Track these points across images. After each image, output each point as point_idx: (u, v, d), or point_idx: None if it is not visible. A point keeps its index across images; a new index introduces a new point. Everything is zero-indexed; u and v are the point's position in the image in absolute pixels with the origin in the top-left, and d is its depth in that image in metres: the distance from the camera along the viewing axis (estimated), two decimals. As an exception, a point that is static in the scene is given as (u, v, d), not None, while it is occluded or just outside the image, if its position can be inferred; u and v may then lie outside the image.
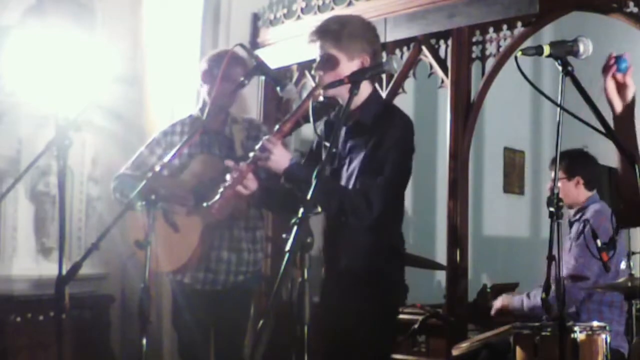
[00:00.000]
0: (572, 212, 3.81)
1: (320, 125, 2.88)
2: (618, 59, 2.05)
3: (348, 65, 2.67)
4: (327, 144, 2.77)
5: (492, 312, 3.88)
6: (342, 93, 2.65)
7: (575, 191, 3.76)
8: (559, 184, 3.67)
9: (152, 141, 3.51)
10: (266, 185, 2.91)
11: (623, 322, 3.61)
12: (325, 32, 2.70)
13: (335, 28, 2.69)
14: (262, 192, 2.86)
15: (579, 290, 3.54)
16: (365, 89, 2.69)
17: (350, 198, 2.60)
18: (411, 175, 2.78)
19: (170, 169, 3.33)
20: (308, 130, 2.86)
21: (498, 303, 3.85)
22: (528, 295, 3.70)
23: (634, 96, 2.08)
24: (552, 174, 3.62)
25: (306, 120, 2.86)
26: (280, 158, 2.62)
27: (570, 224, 3.81)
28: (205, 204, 2.67)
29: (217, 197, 2.68)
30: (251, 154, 2.69)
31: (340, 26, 2.69)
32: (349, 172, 2.68)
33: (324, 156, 2.76)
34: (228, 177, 2.70)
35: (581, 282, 3.53)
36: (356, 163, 2.66)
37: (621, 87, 2.06)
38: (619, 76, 2.05)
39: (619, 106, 2.06)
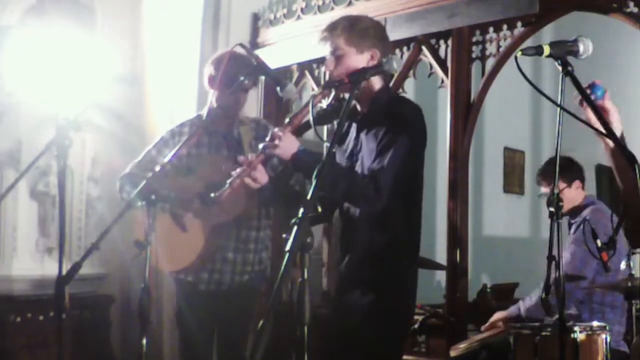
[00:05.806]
0: (568, 216, 3.83)
1: (323, 129, 2.89)
2: (592, 87, 2.07)
3: (357, 59, 2.68)
4: (340, 146, 2.78)
5: (484, 327, 3.82)
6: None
7: (576, 195, 3.87)
8: (562, 193, 3.73)
9: (159, 141, 3.47)
10: (276, 181, 2.91)
11: (624, 323, 3.61)
12: (334, 28, 2.73)
13: (345, 24, 2.72)
14: (272, 187, 2.86)
15: (578, 289, 3.56)
16: (376, 83, 2.71)
17: (358, 182, 2.59)
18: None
19: (177, 170, 3.33)
20: (310, 132, 2.86)
21: (493, 318, 3.80)
22: (523, 300, 3.72)
23: (618, 117, 2.09)
24: (544, 181, 3.76)
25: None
26: (289, 144, 2.61)
27: (570, 225, 3.83)
28: (212, 195, 2.66)
29: (226, 186, 2.67)
30: (261, 145, 2.69)
31: (349, 22, 2.73)
32: (362, 168, 2.68)
33: (338, 157, 2.77)
34: (238, 169, 2.70)
35: (579, 282, 3.54)
36: (369, 157, 2.66)
37: (604, 113, 2.07)
38: (599, 103, 2.06)
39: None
